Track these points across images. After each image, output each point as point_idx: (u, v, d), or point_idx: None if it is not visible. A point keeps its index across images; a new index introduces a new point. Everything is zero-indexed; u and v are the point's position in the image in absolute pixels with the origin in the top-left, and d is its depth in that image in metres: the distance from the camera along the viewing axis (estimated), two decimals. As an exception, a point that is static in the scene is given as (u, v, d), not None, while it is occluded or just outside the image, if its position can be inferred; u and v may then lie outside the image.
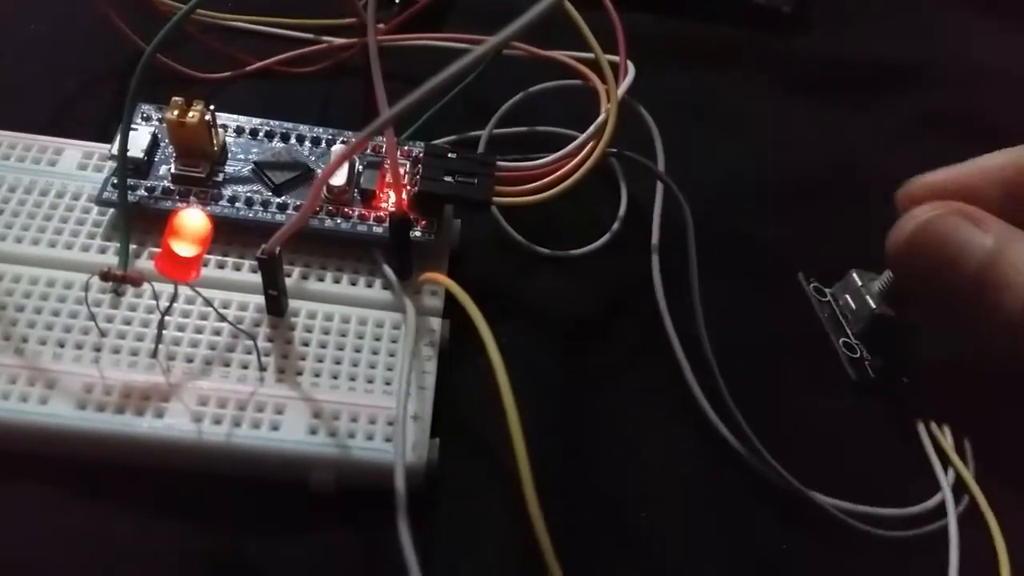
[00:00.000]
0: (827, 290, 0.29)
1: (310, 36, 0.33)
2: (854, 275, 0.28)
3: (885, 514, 0.25)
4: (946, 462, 0.26)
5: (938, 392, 0.27)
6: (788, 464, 0.25)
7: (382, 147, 0.27)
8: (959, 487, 0.25)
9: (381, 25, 0.32)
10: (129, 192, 0.25)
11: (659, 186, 0.30)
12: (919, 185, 0.26)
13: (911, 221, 0.24)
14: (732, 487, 0.25)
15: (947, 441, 0.26)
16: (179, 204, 0.25)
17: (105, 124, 0.29)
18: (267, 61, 0.32)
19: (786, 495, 0.24)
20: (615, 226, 0.30)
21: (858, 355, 0.28)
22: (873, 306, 0.27)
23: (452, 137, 0.31)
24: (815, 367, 0.28)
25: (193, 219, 0.21)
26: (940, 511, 0.25)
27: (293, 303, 0.24)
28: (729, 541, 0.24)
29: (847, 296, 0.28)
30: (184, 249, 0.21)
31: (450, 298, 0.24)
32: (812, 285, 0.29)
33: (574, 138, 0.30)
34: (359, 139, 0.20)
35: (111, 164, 0.26)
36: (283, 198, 0.26)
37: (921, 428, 0.26)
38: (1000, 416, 0.27)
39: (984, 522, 0.25)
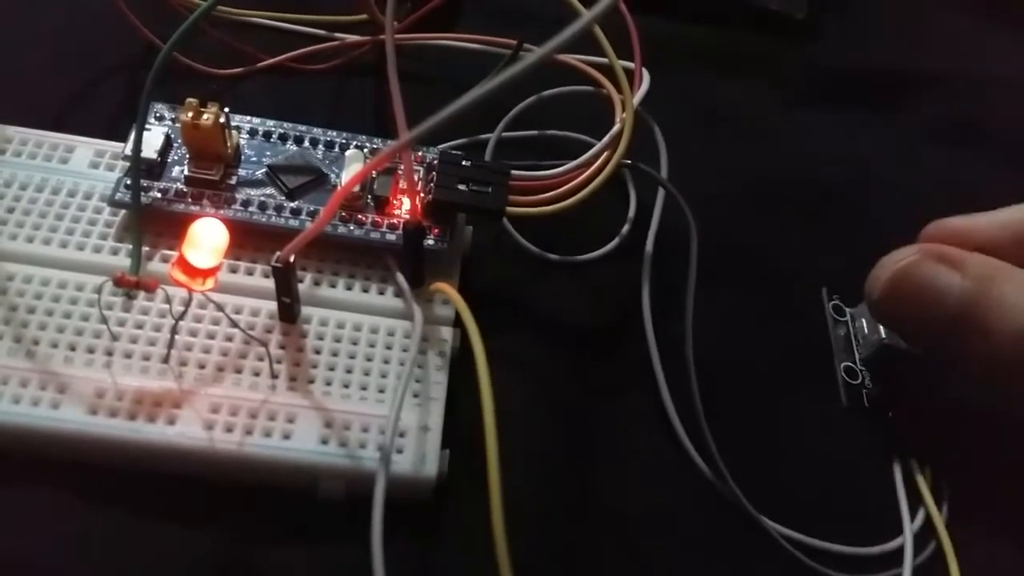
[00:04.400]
0: (848, 310, 0.29)
1: (322, 33, 0.33)
2: None
3: (845, 552, 0.24)
4: (918, 503, 0.26)
5: (926, 430, 0.27)
6: (760, 490, 0.25)
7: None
8: (928, 530, 0.25)
9: (394, 23, 0.32)
10: (142, 194, 0.25)
11: (658, 204, 0.29)
12: (938, 229, 0.26)
13: (886, 268, 0.24)
14: (706, 510, 0.25)
15: (925, 482, 0.26)
16: (192, 207, 0.25)
17: (116, 120, 0.29)
18: (279, 58, 0.32)
19: (750, 522, 0.24)
20: (624, 230, 0.30)
21: (859, 381, 0.27)
22: (883, 335, 0.27)
23: (462, 140, 0.31)
24: (811, 388, 0.28)
25: (210, 230, 0.21)
26: (900, 556, 0.25)
27: (305, 310, 0.24)
28: (697, 565, 0.24)
29: (863, 320, 0.28)
30: (201, 260, 0.21)
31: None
32: (833, 303, 0.29)
33: (584, 143, 0.31)
34: (386, 153, 0.20)
35: (123, 164, 0.25)
36: (297, 203, 0.25)
37: (897, 466, 0.26)
38: (984, 464, 0.26)
39: (947, 568, 0.24)
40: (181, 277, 0.21)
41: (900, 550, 0.25)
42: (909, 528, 0.25)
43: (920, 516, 0.25)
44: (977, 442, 0.26)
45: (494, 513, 0.18)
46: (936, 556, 0.25)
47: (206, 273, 0.21)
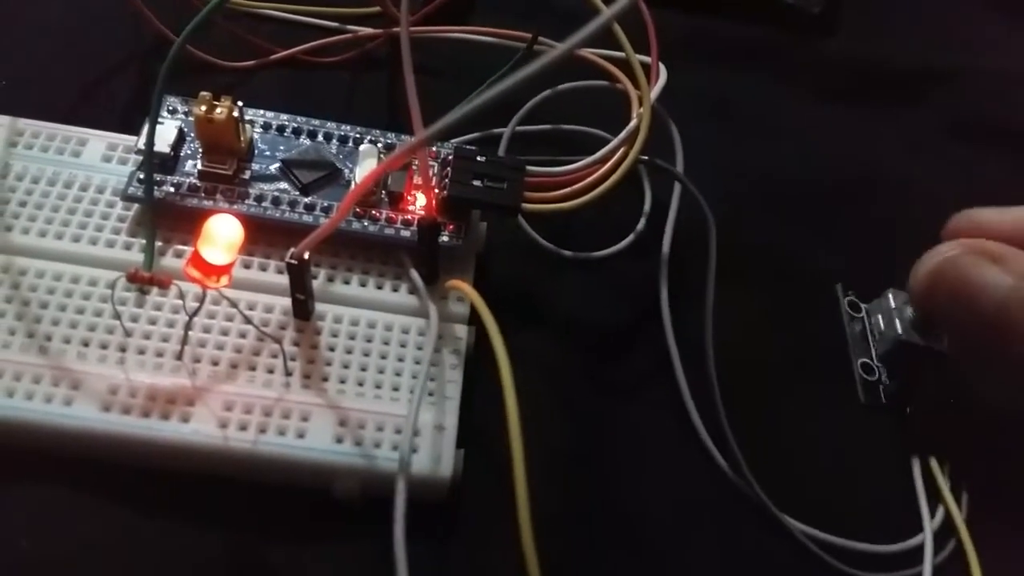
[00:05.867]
0: (863, 305, 0.29)
1: (335, 25, 0.33)
2: (890, 295, 0.28)
3: (865, 550, 0.24)
4: (937, 500, 0.25)
5: (944, 427, 0.26)
6: (780, 486, 0.25)
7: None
8: (948, 528, 0.25)
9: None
10: (155, 188, 0.24)
11: (674, 201, 0.29)
12: (965, 220, 0.25)
13: (932, 258, 0.24)
14: (726, 509, 0.25)
15: (943, 479, 0.26)
16: (205, 202, 0.25)
17: (128, 113, 0.28)
18: (291, 50, 0.31)
19: (771, 521, 0.24)
20: (639, 227, 0.29)
21: (876, 377, 0.27)
22: (899, 331, 0.27)
23: (476, 134, 0.30)
24: (828, 386, 0.27)
25: (226, 226, 0.20)
26: (921, 553, 0.24)
27: (318, 307, 0.24)
28: (718, 564, 0.24)
29: (879, 316, 0.28)
30: (217, 257, 0.20)
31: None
32: (848, 299, 0.29)
33: (599, 137, 0.30)
34: (401, 152, 0.19)
35: (136, 158, 0.25)
36: (310, 198, 0.25)
37: (916, 462, 0.26)
38: (1004, 460, 0.26)
39: (967, 567, 0.24)
40: (196, 274, 0.21)
41: (920, 548, 0.25)
42: (929, 525, 0.25)
43: (940, 513, 0.25)
44: (997, 438, 0.26)
45: (521, 514, 0.18)
46: (956, 553, 0.25)
47: (221, 270, 0.21)
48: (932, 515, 0.25)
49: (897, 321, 0.27)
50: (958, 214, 0.26)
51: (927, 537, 0.25)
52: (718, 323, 0.26)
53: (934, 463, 0.26)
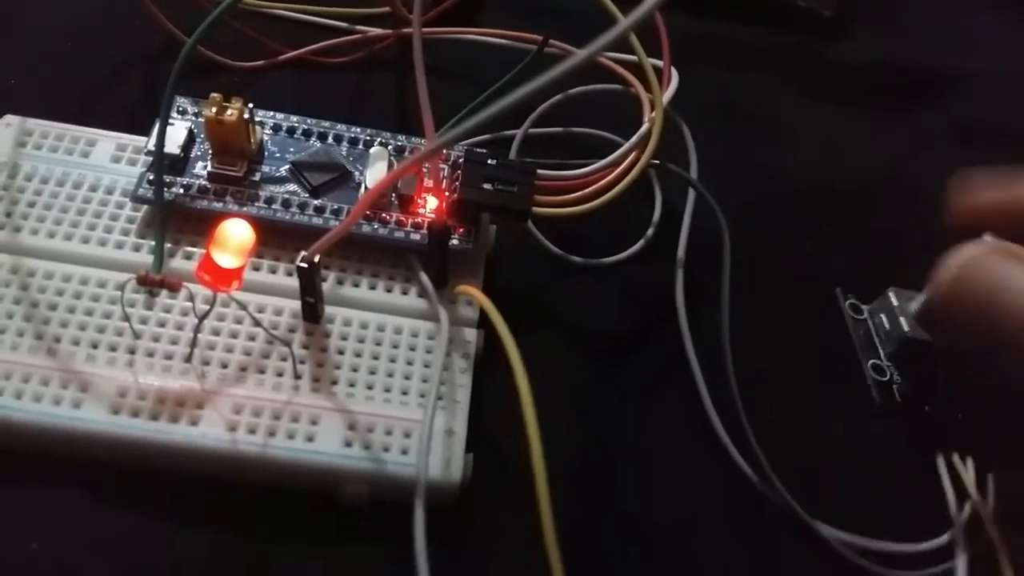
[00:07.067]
0: (864, 307, 0.28)
1: (344, 25, 0.32)
2: (891, 294, 0.28)
3: (894, 550, 0.24)
4: (964, 497, 0.25)
5: (964, 423, 0.26)
6: (802, 490, 0.24)
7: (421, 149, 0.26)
8: (975, 524, 0.25)
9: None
10: (165, 190, 0.24)
11: (688, 207, 0.29)
12: (970, 203, 0.24)
13: (954, 261, 0.23)
14: (747, 512, 0.25)
15: (968, 475, 0.26)
16: (215, 204, 0.24)
17: (136, 113, 0.28)
18: (300, 51, 0.31)
19: (797, 524, 0.24)
20: (649, 232, 0.29)
21: (887, 378, 0.27)
22: (906, 328, 0.27)
23: (486, 136, 0.30)
24: (841, 388, 0.27)
25: (238, 230, 0.20)
26: (951, 550, 0.24)
27: (328, 309, 0.24)
28: (742, 570, 0.24)
29: (882, 315, 0.28)
30: (228, 260, 0.20)
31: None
32: (849, 302, 0.29)
33: (610, 141, 0.30)
34: (414, 159, 0.19)
35: (145, 159, 0.25)
36: (320, 200, 0.25)
37: (940, 460, 0.26)
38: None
39: (997, 563, 0.24)
40: (208, 279, 0.21)
41: (948, 546, 0.24)
42: (958, 522, 0.25)
43: (967, 509, 0.25)
44: (1016, 429, 0.26)
45: (544, 520, 0.18)
46: (987, 549, 0.24)
47: (232, 274, 0.21)
48: (960, 511, 0.25)
49: (902, 319, 0.27)
50: (959, 197, 0.24)
51: (958, 533, 0.24)
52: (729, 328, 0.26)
53: (957, 459, 0.26)
